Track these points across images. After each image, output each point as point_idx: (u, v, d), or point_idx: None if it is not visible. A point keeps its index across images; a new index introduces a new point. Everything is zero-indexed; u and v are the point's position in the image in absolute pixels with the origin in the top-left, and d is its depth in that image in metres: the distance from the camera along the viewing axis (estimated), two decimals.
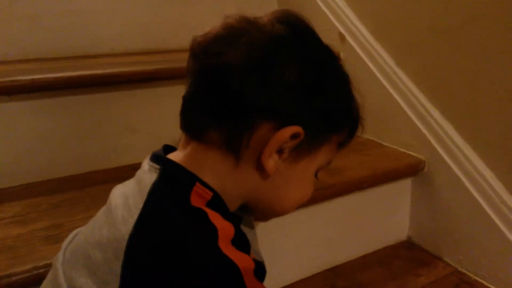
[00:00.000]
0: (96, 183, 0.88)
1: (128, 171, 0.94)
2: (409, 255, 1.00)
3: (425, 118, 1.00)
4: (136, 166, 0.99)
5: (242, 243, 0.44)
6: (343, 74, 0.50)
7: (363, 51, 1.12)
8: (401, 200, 1.03)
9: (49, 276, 0.47)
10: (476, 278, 0.92)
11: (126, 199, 0.44)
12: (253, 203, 0.49)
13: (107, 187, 0.85)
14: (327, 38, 1.24)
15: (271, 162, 0.45)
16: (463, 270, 0.94)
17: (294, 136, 0.44)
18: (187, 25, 1.29)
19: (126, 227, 0.41)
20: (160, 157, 0.46)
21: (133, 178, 0.47)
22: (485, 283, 0.90)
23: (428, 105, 1.00)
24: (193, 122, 0.46)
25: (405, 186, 1.02)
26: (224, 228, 0.42)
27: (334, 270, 0.94)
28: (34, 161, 0.87)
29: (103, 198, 0.80)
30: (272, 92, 0.43)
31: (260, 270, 0.43)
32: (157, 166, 0.45)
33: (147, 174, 0.45)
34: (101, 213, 0.47)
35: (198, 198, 0.43)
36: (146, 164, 0.46)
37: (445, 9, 0.93)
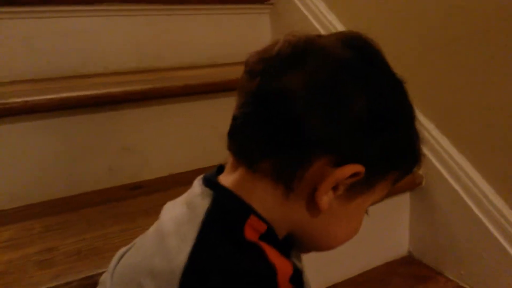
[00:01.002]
0: (91, 205, 0.87)
1: (123, 192, 0.95)
2: (409, 271, 0.99)
3: (421, 132, 0.99)
4: (131, 186, 0.99)
5: (298, 280, 0.42)
6: (409, 107, 0.45)
7: None
8: (400, 215, 1.02)
9: None
10: None
11: (179, 227, 0.42)
12: (297, 236, 0.46)
13: (102, 209, 0.86)
14: None
15: (325, 198, 0.42)
16: (465, 285, 0.93)
17: (354, 175, 0.41)
18: (181, 41, 1.30)
19: (180, 258, 0.39)
20: (212, 181, 0.44)
21: (183, 199, 0.45)
22: None
23: (424, 119, 0.99)
24: (245, 148, 0.43)
25: (403, 201, 1.01)
26: (282, 265, 0.40)
27: None
28: (27, 183, 0.86)
29: (97, 220, 0.80)
30: (336, 125, 0.39)
31: None
32: (209, 191, 0.43)
33: (199, 198, 0.43)
34: (151, 236, 0.45)
35: (251, 231, 0.41)
36: (198, 186, 0.44)
37: (441, 22, 0.94)
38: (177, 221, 0.42)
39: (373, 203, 0.47)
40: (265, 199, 0.42)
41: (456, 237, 0.94)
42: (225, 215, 0.41)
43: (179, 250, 0.39)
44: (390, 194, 0.97)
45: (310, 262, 0.90)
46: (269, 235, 0.41)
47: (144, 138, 0.99)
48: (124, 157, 0.97)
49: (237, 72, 0.45)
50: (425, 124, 0.98)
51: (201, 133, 1.03)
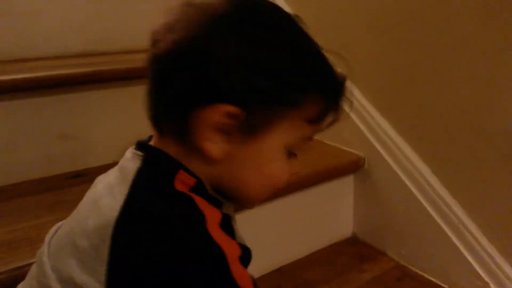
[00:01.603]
0: (26, 194, 0.83)
1: (63, 180, 0.92)
2: (353, 251, 1.02)
3: (362, 115, 1.01)
4: (73, 174, 0.96)
5: (228, 228, 0.44)
6: (299, 47, 0.45)
7: None
8: (344, 197, 1.05)
9: (32, 272, 0.46)
10: (417, 270, 0.94)
11: (111, 188, 0.43)
12: (223, 190, 0.47)
13: (38, 198, 0.82)
14: None
15: (211, 145, 0.43)
16: (405, 264, 0.97)
17: (231, 116, 0.42)
18: (130, 24, 1.26)
19: (112, 214, 0.40)
20: (143, 145, 0.46)
21: (115, 167, 0.47)
22: (425, 275, 0.93)
23: (365, 101, 1.02)
24: (149, 114, 0.46)
25: (347, 183, 1.03)
26: (210, 212, 0.42)
27: (280, 271, 0.94)
28: None
29: (32, 210, 0.77)
30: (202, 73, 0.41)
31: (245, 256, 0.43)
32: (140, 153, 0.45)
33: (131, 162, 0.45)
34: (84, 204, 0.46)
35: (181, 185, 0.43)
36: (129, 152, 0.46)
37: (381, 5, 0.95)
38: (109, 185, 0.44)
39: (291, 146, 0.47)
40: (180, 157, 0.44)
41: (396, 217, 0.97)
42: (155, 172, 0.44)
43: (111, 207, 0.41)
44: (334, 176, 1.00)
45: (256, 245, 0.90)
46: (199, 188, 0.44)
47: (87, 124, 0.96)
48: (65, 144, 0.93)
49: None
50: (366, 106, 1.00)
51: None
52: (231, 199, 0.49)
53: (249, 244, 0.89)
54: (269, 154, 0.45)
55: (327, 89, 0.46)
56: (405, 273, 0.94)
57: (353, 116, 1.02)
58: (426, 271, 0.93)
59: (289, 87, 0.43)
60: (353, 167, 1.00)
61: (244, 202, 0.50)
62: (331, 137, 1.08)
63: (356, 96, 1.01)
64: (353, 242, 1.05)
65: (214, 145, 0.43)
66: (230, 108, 0.41)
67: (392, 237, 0.99)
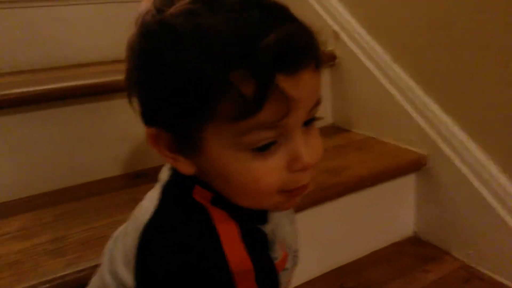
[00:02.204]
0: (96, 194, 0.87)
1: (127, 180, 0.96)
2: (416, 251, 1.00)
3: (424, 113, 0.99)
4: (134, 175, 0.99)
5: (255, 240, 0.45)
6: (161, 56, 0.40)
7: (358, 48, 1.11)
8: (405, 196, 1.03)
9: (97, 272, 0.51)
10: (487, 271, 0.91)
11: (150, 195, 0.47)
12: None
13: (107, 198, 0.86)
14: (320, 36, 1.24)
15: (176, 163, 0.43)
16: (473, 264, 0.93)
17: (159, 137, 0.42)
18: None
19: (145, 216, 0.44)
20: None
21: None
22: (495, 276, 0.89)
23: (427, 99, 0.99)
24: None
25: (408, 182, 1.01)
26: (225, 226, 0.43)
27: (341, 270, 0.93)
28: (32, 174, 0.87)
29: (104, 209, 0.81)
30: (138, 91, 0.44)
31: (267, 274, 0.44)
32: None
33: (165, 171, 0.48)
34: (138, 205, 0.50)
35: (200, 198, 0.45)
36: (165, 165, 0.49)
37: (440, 3, 0.93)
38: (150, 193, 0.48)
39: (241, 144, 0.40)
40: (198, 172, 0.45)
41: (462, 216, 0.94)
42: (177, 184, 0.46)
43: (146, 210, 0.44)
44: (394, 176, 0.98)
45: (318, 244, 0.91)
46: (218, 201, 0.44)
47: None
48: (126, 145, 0.97)
49: None
50: (428, 103, 0.98)
51: None
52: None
53: (310, 242, 0.90)
54: (224, 162, 0.42)
55: (227, 89, 0.38)
56: (473, 274, 0.91)
57: (414, 113, 1.00)
58: (496, 272, 0.89)
59: (199, 84, 0.38)
60: (415, 166, 0.98)
61: (260, 207, 0.47)
62: (390, 136, 1.07)
63: (418, 94, 0.99)
64: (414, 241, 1.03)
65: (179, 163, 0.43)
66: (151, 131, 0.42)
67: (457, 236, 0.96)
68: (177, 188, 0.45)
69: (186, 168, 0.43)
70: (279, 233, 0.51)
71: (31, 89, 0.83)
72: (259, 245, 0.46)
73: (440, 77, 0.96)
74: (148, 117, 0.42)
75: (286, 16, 0.42)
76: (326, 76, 1.19)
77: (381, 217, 0.99)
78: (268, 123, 0.39)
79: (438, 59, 0.96)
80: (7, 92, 0.82)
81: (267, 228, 0.48)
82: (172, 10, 0.40)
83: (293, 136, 0.41)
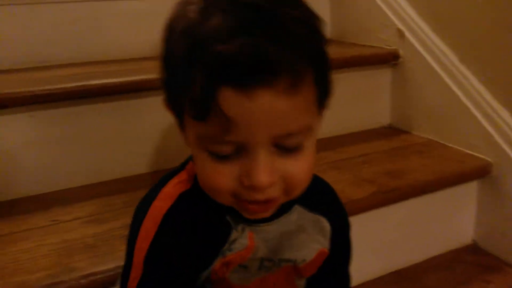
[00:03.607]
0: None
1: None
2: (475, 259, 0.97)
3: (492, 117, 0.96)
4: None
5: (204, 231, 0.47)
6: (188, 53, 0.39)
7: (424, 47, 1.08)
8: (466, 202, 1.00)
9: None
10: None
11: None
12: None
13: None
14: (384, 34, 1.21)
15: (182, 133, 0.46)
16: None
17: (166, 106, 0.46)
18: None
19: None
20: None
21: None
22: None
23: (496, 104, 0.96)
24: None
25: (470, 189, 0.98)
26: (157, 205, 0.47)
27: (398, 273, 0.92)
28: (105, 161, 0.90)
29: None
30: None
31: (163, 259, 0.47)
32: None
33: None
34: None
35: (184, 175, 0.49)
36: None
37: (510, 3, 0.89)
38: None
39: (203, 144, 0.41)
40: None
41: None
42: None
43: None
44: (457, 182, 0.95)
45: (376, 246, 0.90)
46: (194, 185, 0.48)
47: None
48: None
49: None
50: (497, 109, 0.95)
51: None
52: None
53: (369, 244, 0.90)
54: (193, 150, 0.44)
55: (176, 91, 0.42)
56: None
57: (480, 118, 0.97)
58: None
59: (174, 75, 0.42)
60: (479, 173, 0.95)
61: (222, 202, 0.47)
62: (453, 139, 1.04)
63: (486, 97, 0.96)
64: (473, 250, 1.00)
65: (181, 131, 0.46)
66: (164, 96, 0.45)
67: None
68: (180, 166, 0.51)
69: (185, 139, 0.45)
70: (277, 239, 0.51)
71: (104, 81, 0.87)
72: (195, 233, 0.47)
73: (508, 80, 0.92)
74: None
75: (275, 22, 0.37)
76: (387, 75, 1.16)
77: (441, 223, 0.97)
78: (214, 137, 0.39)
79: (509, 62, 0.92)
80: (75, 84, 0.85)
81: (272, 228, 0.50)
82: None
83: (252, 154, 0.40)
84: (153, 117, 0.92)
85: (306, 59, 0.39)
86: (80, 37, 1.11)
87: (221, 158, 0.41)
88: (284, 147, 0.41)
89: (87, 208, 0.79)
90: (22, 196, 0.84)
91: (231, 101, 0.37)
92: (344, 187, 0.84)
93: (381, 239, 0.91)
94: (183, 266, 0.47)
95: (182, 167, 0.51)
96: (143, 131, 0.92)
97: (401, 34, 1.12)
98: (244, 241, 0.48)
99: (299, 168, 0.42)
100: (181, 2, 0.42)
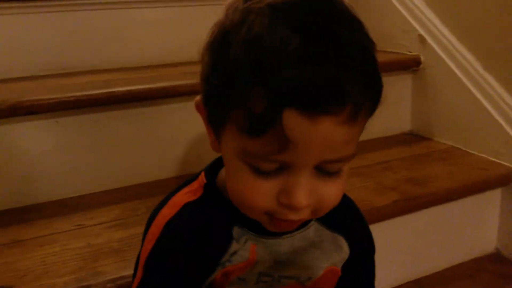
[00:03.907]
0: None
1: None
2: (498, 268, 0.95)
3: None
4: None
5: (204, 240, 0.48)
6: (238, 44, 0.39)
7: (446, 54, 1.07)
8: (489, 211, 0.98)
9: None
10: None
11: None
12: None
13: None
14: (405, 40, 1.21)
15: (208, 133, 0.47)
16: None
17: (200, 107, 0.46)
18: None
19: None
20: None
21: None
22: None
23: None
24: None
25: (494, 196, 0.97)
26: (165, 212, 0.49)
27: (418, 282, 0.91)
28: (127, 165, 0.91)
29: None
30: None
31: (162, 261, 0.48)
32: None
33: None
34: None
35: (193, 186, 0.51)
36: None
37: None
38: None
39: (242, 155, 0.40)
40: None
41: None
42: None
43: None
44: (481, 190, 0.94)
45: (395, 255, 0.90)
46: (213, 188, 0.50)
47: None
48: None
49: None
50: None
51: None
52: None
53: (389, 252, 0.89)
54: (229, 160, 0.43)
55: (248, 99, 0.38)
56: None
57: (504, 124, 0.96)
58: None
59: (230, 85, 0.39)
60: (502, 180, 0.94)
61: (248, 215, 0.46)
62: (477, 147, 1.03)
63: (510, 103, 0.95)
64: (496, 258, 0.99)
65: (210, 136, 0.46)
66: (197, 99, 0.46)
67: None
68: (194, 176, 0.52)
69: (214, 144, 0.46)
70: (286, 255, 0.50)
71: (135, 87, 0.88)
72: (195, 240, 0.48)
73: None
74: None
75: (345, 50, 0.37)
76: (407, 81, 1.16)
77: (463, 231, 0.96)
78: (264, 154, 0.39)
79: None
80: (114, 89, 0.87)
81: (285, 242, 0.49)
82: (253, 4, 0.39)
83: (295, 173, 0.40)
84: (176, 123, 0.93)
85: (369, 90, 0.39)
86: (100, 44, 1.14)
87: (262, 173, 0.40)
88: (327, 171, 0.41)
89: (111, 213, 0.80)
90: (46, 200, 0.86)
91: (294, 123, 0.36)
92: (367, 195, 0.84)
93: (402, 247, 0.90)
94: (181, 273, 0.48)
95: (195, 177, 0.52)
96: (166, 137, 0.93)
97: (422, 40, 1.12)
98: (245, 254, 0.48)
99: (333, 192, 0.43)
100: (235, 8, 0.41)
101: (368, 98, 0.39)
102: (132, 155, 0.91)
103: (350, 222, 0.55)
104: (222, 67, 0.40)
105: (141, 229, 0.73)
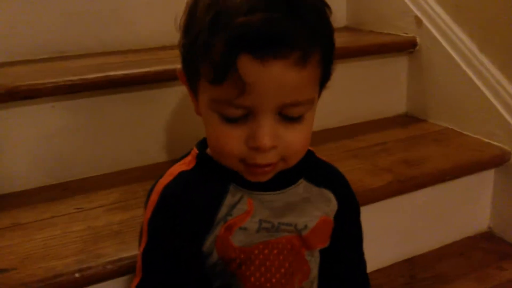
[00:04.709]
0: None
1: None
2: (490, 246, 0.98)
3: (510, 106, 0.95)
4: None
5: (200, 199, 0.52)
6: (203, 10, 0.45)
7: (442, 35, 1.07)
8: (482, 190, 1.00)
9: None
10: None
11: None
12: None
13: None
14: (401, 21, 1.20)
15: (191, 98, 0.52)
16: None
17: (181, 74, 0.52)
18: None
19: None
20: None
21: None
22: None
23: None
24: None
25: (487, 177, 0.99)
26: (160, 183, 0.53)
27: (412, 261, 0.93)
28: (126, 150, 0.92)
29: None
30: None
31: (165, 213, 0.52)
32: None
33: None
34: None
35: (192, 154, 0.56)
36: None
37: None
38: None
39: (211, 105, 0.47)
40: None
41: None
42: None
43: None
44: (475, 170, 0.96)
45: (389, 236, 0.92)
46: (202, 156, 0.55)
47: None
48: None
49: None
50: None
51: None
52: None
53: (384, 232, 0.90)
54: (205, 116, 0.49)
55: (202, 51, 0.44)
56: None
57: (499, 106, 0.97)
58: None
59: (196, 41, 0.45)
60: (496, 161, 0.96)
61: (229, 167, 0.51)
62: (471, 128, 1.04)
63: (505, 86, 0.96)
64: (489, 237, 1.01)
65: (193, 101, 0.52)
66: (179, 67, 0.51)
67: None
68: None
69: (196, 108, 0.52)
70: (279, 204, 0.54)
71: (131, 71, 0.88)
72: (195, 195, 0.52)
73: None
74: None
75: (294, 1, 0.43)
76: (403, 63, 1.16)
77: (457, 210, 0.98)
78: (229, 101, 0.44)
79: None
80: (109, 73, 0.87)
81: (277, 197, 0.54)
82: None
83: (259, 119, 0.45)
84: (174, 106, 0.93)
85: (316, 39, 0.44)
86: (97, 27, 1.12)
87: (231, 121, 0.46)
88: (288, 116, 0.46)
89: (110, 196, 0.81)
90: (46, 184, 0.86)
91: (248, 67, 0.42)
92: (362, 176, 0.86)
93: (397, 227, 0.92)
94: (183, 231, 0.52)
95: (188, 153, 0.57)
96: (164, 120, 0.93)
97: (419, 21, 1.11)
98: (243, 207, 0.53)
99: (297, 138, 0.48)
100: None
101: (316, 44, 0.44)
102: (130, 139, 0.92)
103: (334, 179, 0.61)
104: (190, 28, 0.47)
105: (140, 212, 0.74)
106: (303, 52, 0.43)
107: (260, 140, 0.45)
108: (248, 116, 0.45)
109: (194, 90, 0.50)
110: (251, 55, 0.41)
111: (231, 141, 0.46)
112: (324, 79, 0.50)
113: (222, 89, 0.44)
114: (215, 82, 0.44)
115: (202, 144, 0.57)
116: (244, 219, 0.53)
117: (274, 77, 0.42)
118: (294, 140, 0.48)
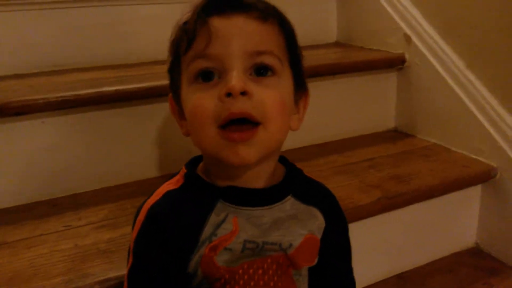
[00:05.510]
0: None
1: None
2: (478, 263, 0.98)
3: (496, 122, 0.97)
4: None
5: (184, 218, 0.53)
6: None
7: (430, 52, 1.09)
8: (469, 206, 1.01)
9: None
10: None
11: None
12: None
13: None
14: (391, 38, 1.22)
15: (179, 124, 0.58)
16: None
17: (171, 101, 0.59)
18: None
19: None
20: None
21: None
22: None
23: (501, 109, 0.97)
24: None
25: (474, 192, 1.00)
26: (147, 203, 0.55)
27: (401, 277, 0.94)
28: (107, 166, 0.91)
29: None
30: None
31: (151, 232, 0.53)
32: None
33: None
34: None
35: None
36: None
37: None
38: None
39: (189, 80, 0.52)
40: None
41: None
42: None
43: None
44: (462, 186, 0.97)
45: (378, 252, 0.92)
46: (190, 174, 0.57)
47: None
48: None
49: None
50: (503, 115, 0.96)
51: None
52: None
53: (373, 248, 0.91)
54: (184, 100, 0.54)
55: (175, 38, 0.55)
56: None
57: (486, 123, 0.98)
58: None
59: (176, 48, 0.54)
60: (483, 177, 0.97)
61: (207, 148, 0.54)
62: (458, 144, 1.05)
63: (491, 103, 0.97)
64: (476, 253, 1.02)
65: (181, 125, 0.59)
66: (170, 96, 0.59)
67: None
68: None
69: (183, 129, 0.57)
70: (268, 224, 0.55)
71: (123, 87, 0.89)
72: (180, 212, 0.53)
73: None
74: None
75: None
76: (392, 79, 1.18)
77: (444, 226, 0.99)
78: (200, 52, 0.50)
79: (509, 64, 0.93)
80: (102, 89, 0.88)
81: (265, 213, 0.55)
82: None
83: (229, 72, 0.49)
84: (165, 121, 0.94)
85: (270, 10, 0.53)
86: (91, 42, 1.13)
87: (206, 79, 0.51)
88: (256, 67, 0.51)
89: (100, 212, 0.81)
90: (35, 200, 0.86)
91: (214, 23, 0.50)
92: (351, 193, 0.86)
93: (386, 243, 0.93)
94: (168, 251, 0.52)
95: (177, 173, 0.58)
96: (155, 136, 0.94)
97: (408, 38, 1.13)
98: (228, 227, 0.53)
99: (269, 95, 0.50)
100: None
101: (272, 13, 0.52)
102: (121, 154, 0.92)
103: (322, 197, 0.62)
104: (170, 46, 0.55)
105: (129, 229, 0.74)
106: (261, 12, 0.51)
107: (229, 83, 0.48)
108: (221, 77, 0.50)
109: (177, 101, 0.56)
110: (216, 16, 0.50)
111: (206, 101, 0.50)
112: (292, 58, 0.55)
113: (193, 49, 0.51)
114: (189, 43, 0.51)
115: (191, 164, 0.58)
116: (229, 240, 0.53)
117: (237, 26, 0.50)
118: (266, 96, 0.50)
